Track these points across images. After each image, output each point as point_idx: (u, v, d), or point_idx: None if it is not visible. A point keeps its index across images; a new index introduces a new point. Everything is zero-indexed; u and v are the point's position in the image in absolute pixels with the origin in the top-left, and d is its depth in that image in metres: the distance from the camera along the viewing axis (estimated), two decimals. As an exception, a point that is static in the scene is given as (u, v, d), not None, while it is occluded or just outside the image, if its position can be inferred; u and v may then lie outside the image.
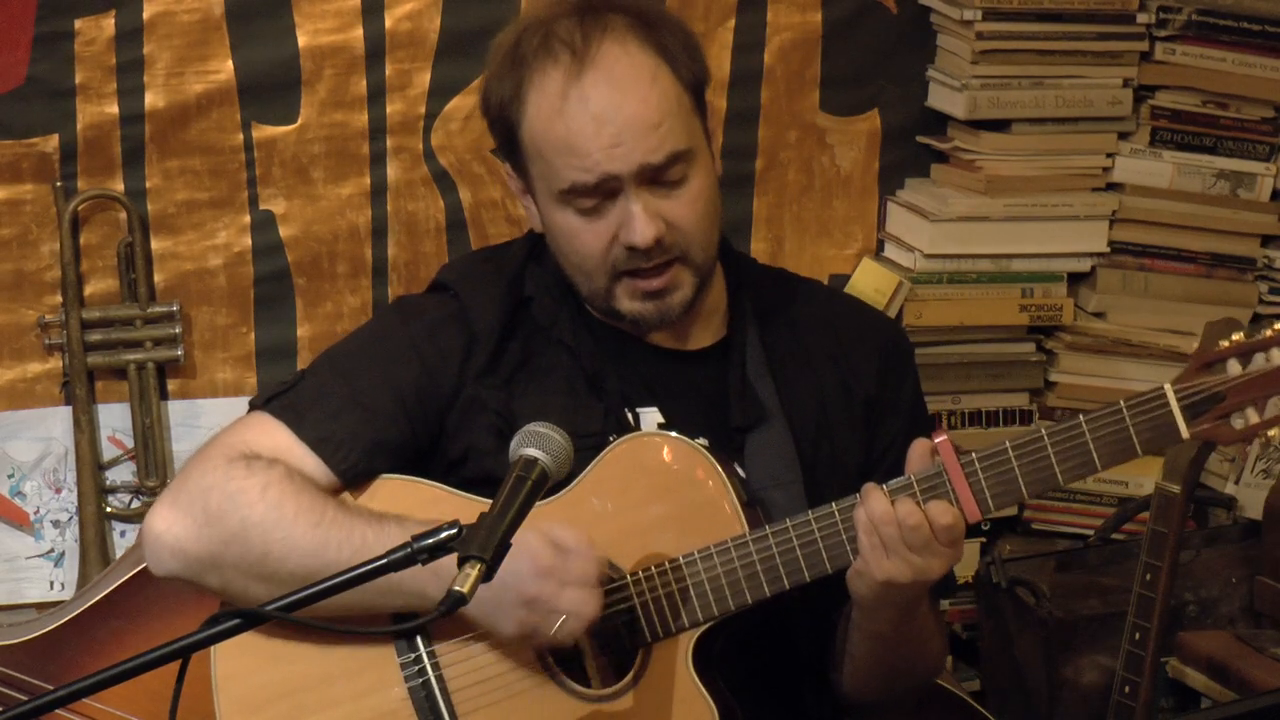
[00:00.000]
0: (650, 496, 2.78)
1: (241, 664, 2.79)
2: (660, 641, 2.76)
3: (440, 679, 2.78)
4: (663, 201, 2.78)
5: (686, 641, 2.75)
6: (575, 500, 2.78)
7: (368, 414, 2.83)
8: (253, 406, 2.89)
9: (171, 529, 2.78)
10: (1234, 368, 2.70)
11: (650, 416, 2.89)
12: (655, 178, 2.77)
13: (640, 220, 2.76)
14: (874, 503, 2.67)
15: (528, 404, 2.83)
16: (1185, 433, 2.69)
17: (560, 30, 2.78)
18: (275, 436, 2.83)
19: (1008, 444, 2.71)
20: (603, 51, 2.76)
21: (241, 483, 2.76)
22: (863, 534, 2.69)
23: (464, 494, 2.80)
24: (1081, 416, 2.70)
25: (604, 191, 2.77)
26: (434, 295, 2.97)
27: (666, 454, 2.79)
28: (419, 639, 2.80)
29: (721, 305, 2.95)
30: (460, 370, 2.87)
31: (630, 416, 2.88)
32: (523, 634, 2.72)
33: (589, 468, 2.79)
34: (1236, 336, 2.73)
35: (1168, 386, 2.70)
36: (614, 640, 2.78)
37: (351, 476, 2.83)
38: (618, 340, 2.91)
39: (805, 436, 2.90)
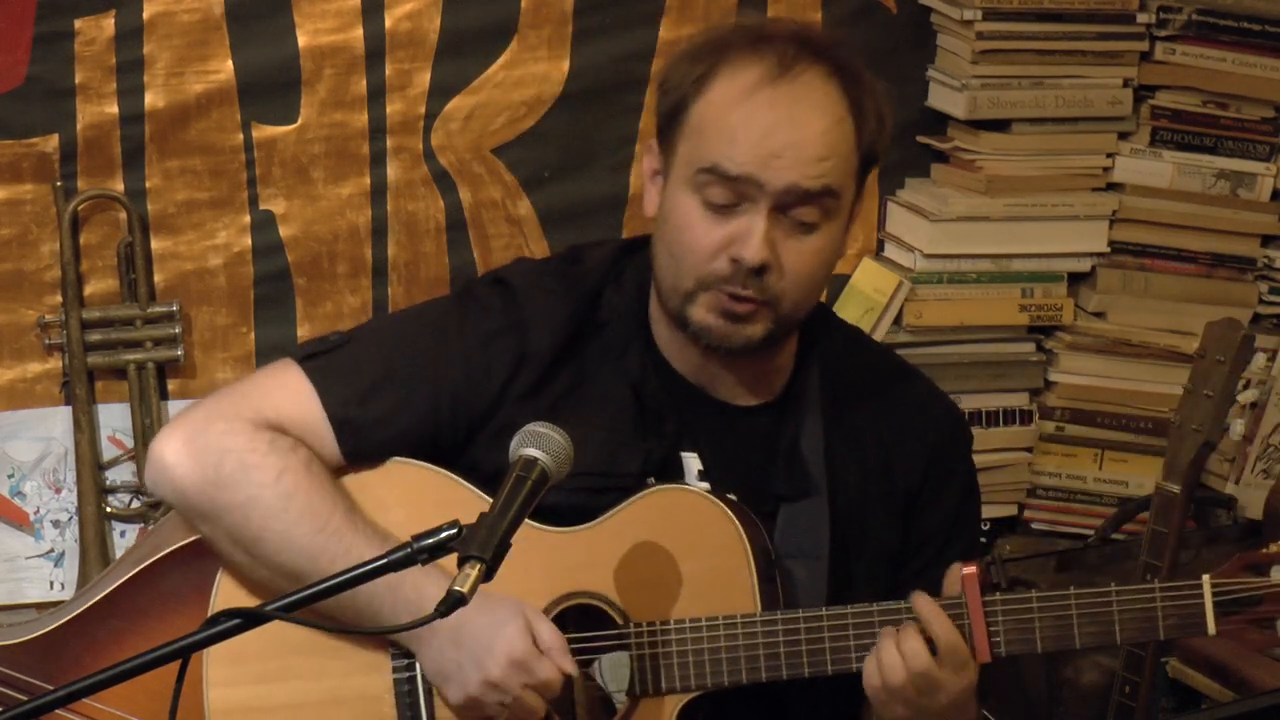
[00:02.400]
0: (672, 552, 2.76)
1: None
2: (649, 697, 2.75)
3: (429, 682, 2.78)
4: (785, 239, 2.74)
5: (673, 705, 2.74)
6: (598, 537, 2.77)
7: (397, 404, 2.81)
8: (294, 355, 2.87)
9: (179, 468, 2.78)
10: (1277, 575, 2.66)
11: (691, 463, 2.86)
12: (791, 209, 2.73)
13: (758, 238, 2.71)
14: (888, 659, 2.68)
15: (570, 432, 2.68)
16: (1212, 628, 2.65)
17: (775, 41, 2.77)
18: (302, 404, 2.81)
19: (1034, 595, 2.69)
20: (805, 77, 2.75)
21: (260, 459, 2.76)
22: (869, 685, 2.69)
23: (482, 494, 2.77)
24: (1113, 586, 2.68)
25: (738, 193, 2.72)
26: (500, 294, 2.89)
27: (699, 514, 2.77)
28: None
29: (789, 365, 2.90)
30: (502, 389, 2.83)
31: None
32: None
33: (620, 506, 2.78)
34: None
35: (1206, 579, 2.66)
36: (605, 684, 2.77)
37: (357, 460, 2.82)
38: (677, 385, 2.87)
39: (841, 515, 2.86)
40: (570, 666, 2.69)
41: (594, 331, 2.87)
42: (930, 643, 2.68)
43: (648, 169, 2.86)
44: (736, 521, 2.76)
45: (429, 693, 2.77)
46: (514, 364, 2.83)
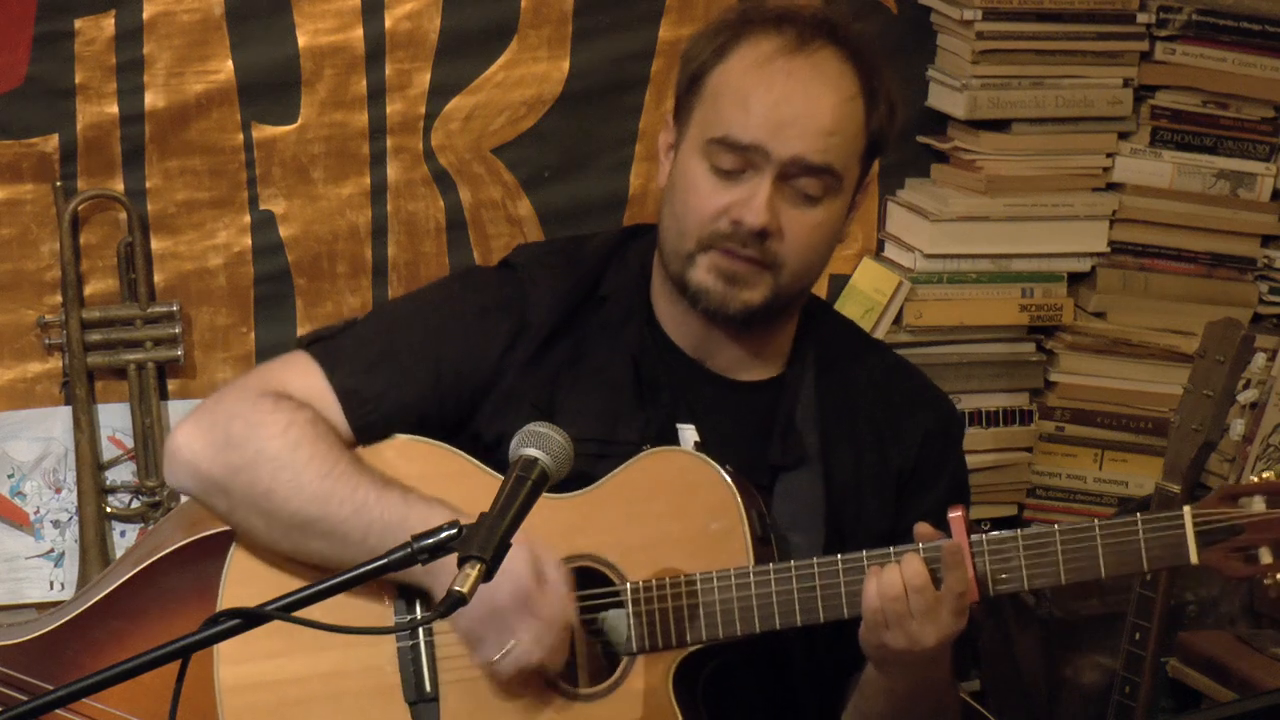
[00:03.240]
0: (667, 512, 2.80)
1: (252, 589, 2.80)
2: (646, 654, 2.78)
3: (430, 645, 2.81)
4: (789, 208, 2.82)
5: (671, 660, 2.77)
6: (594, 501, 2.81)
7: (401, 375, 2.87)
8: (298, 344, 2.95)
9: (190, 445, 2.85)
10: (1258, 505, 2.69)
11: (687, 434, 2.91)
12: (796, 179, 2.80)
13: (761, 201, 2.79)
14: (888, 576, 2.70)
15: (570, 400, 2.86)
16: (1194, 557, 2.69)
17: (797, 20, 2.85)
18: (309, 379, 2.88)
19: (1019, 533, 2.72)
20: (822, 54, 2.83)
21: (266, 416, 2.82)
22: (867, 606, 2.71)
23: (489, 470, 2.82)
24: (1096, 521, 2.72)
25: (746, 160, 2.80)
26: (501, 273, 2.98)
27: (692, 474, 2.81)
28: (417, 604, 2.82)
29: (786, 346, 2.97)
30: (501, 356, 2.89)
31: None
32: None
33: (615, 471, 2.82)
34: (1267, 475, 2.71)
35: (1187, 510, 2.70)
36: (606, 643, 2.79)
37: (367, 434, 2.87)
38: (676, 358, 2.93)
39: (836, 492, 2.91)
40: (569, 604, 2.72)
41: (594, 306, 2.94)
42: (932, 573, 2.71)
43: (663, 144, 2.94)
44: (729, 481, 2.79)
45: (432, 661, 2.80)
46: (512, 334, 2.90)
